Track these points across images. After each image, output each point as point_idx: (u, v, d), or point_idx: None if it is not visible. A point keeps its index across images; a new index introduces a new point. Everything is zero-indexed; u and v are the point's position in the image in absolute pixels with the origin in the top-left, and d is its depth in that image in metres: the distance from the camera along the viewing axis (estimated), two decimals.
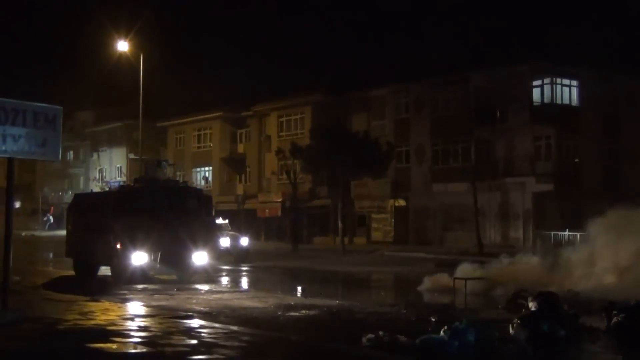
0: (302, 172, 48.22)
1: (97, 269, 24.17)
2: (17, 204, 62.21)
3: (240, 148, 63.69)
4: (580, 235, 36.09)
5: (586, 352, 11.47)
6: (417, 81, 48.90)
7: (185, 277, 22.69)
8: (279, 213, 56.48)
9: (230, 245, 35.37)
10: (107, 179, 76.10)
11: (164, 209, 22.16)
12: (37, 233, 67.45)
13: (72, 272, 24.65)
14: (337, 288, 24.65)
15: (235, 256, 34.49)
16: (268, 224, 58.80)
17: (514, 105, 43.38)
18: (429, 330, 11.97)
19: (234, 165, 63.92)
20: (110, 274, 22.71)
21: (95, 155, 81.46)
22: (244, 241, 36.43)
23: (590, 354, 11.37)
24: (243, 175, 63.39)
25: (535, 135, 43.57)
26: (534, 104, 43.91)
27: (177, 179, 30.74)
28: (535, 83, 44.04)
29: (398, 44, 75.13)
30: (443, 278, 21.71)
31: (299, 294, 20.71)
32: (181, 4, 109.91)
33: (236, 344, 10.78)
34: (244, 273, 28.72)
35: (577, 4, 68.65)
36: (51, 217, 76.73)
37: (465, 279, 21.10)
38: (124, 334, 11.51)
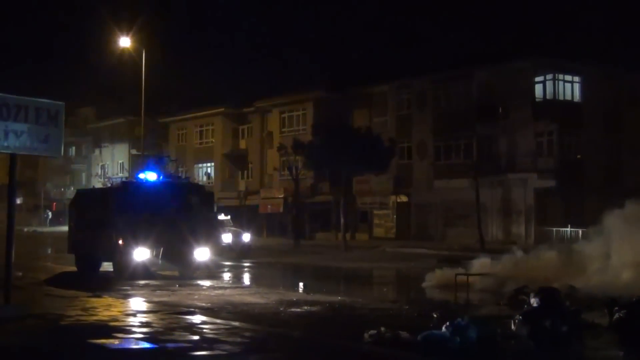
0: (304, 168, 48.20)
1: (99, 265, 24.21)
2: (19, 200, 62.34)
3: (242, 144, 63.68)
4: (582, 231, 36.14)
5: (588, 348, 11.46)
6: (419, 77, 48.88)
7: (187, 273, 22.70)
8: (281, 209, 56.50)
9: (232, 241, 35.44)
10: (109, 175, 76.08)
11: (166, 205, 22.17)
12: (40, 229, 67.50)
13: (74, 268, 24.67)
14: (339, 284, 24.67)
15: (237, 252, 34.54)
16: (270, 220, 58.81)
17: (516, 101, 43.34)
18: (430, 326, 11.96)
19: (236, 161, 63.91)
20: (112, 269, 22.75)
21: (97, 151, 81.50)
22: (246, 237, 36.50)
23: (592, 350, 11.36)
24: (245, 171, 63.39)
25: (538, 131, 43.52)
26: (536, 99, 43.87)
27: (179, 175, 30.64)
28: (537, 79, 43.99)
29: (400, 40, 75.10)
30: (448, 274, 21.66)
31: (300, 290, 20.71)
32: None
33: (238, 339, 10.79)
34: (245, 269, 28.75)
35: (580, 0, 68.54)
36: (49, 213, 76.81)
37: (468, 275, 21.08)
38: (126, 330, 11.52)
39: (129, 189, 23.51)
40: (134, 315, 13.52)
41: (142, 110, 45.81)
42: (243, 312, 14.81)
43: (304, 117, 55.69)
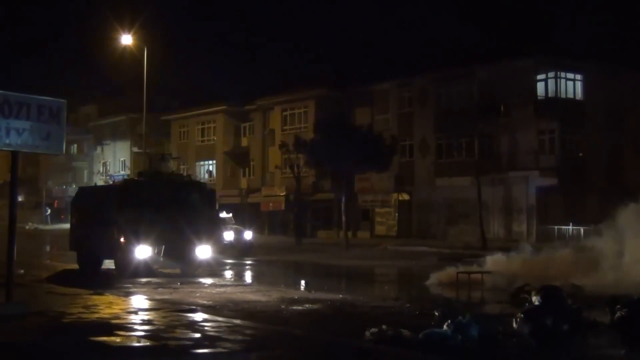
0: (305, 166, 48.22)
1: (100, 263, 24.21)
2: (21, 198, 62.36)
3: (244, 142, 63.70)
4: (583, 229, 36.13)
5: (590, 347, 11.45)
6: (421, 75, 48.86)
7: (189, 270, 22.71)
8: (283, 207, 56.54)
9: (234, 239, 35.44)
10: (111, 172, 76.18)
11: (168, 203, 22.17)
12: (41, 226, 67.58)
13: (75, 266, 24.68)
14: (341, 282, 24.66)
15: (239, 250, 34.55)
16: (271, 217, 58.86)
17: (518, 99, 43.32)
18: (432, 324, 11.96)
19: (237, 159, 63.93)
20: (114, 267, 22.76)
21: (99, 149, 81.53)
22: (248, 235, 36.50)
23: (593, 348, 11.35)
24: (247, 169, 63.42)
25: (539, 130, 43.50)
26: (538, 98, 43.85)
27: (181, 172, 30.73)
28: (539, 77, 43.96)
29: (402, 37, 75.03)
30: (452, 272, 21.63)
31: (302, 288, 20.72)
32: None
33: (239, 337, 10.79)
34: (247, 267, 28.76)
35: None
36: (48, 210, 76.86)
37: (469, 273, 21.11)
38: (127, 328, 11.52)
39: (131, 186, 23.52)
40: (136, 313, 13.52)
41: (144, 108, 45.88)
42: (244, 310, 14.81)
43: (305, 114, 55.70)
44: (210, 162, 66.26)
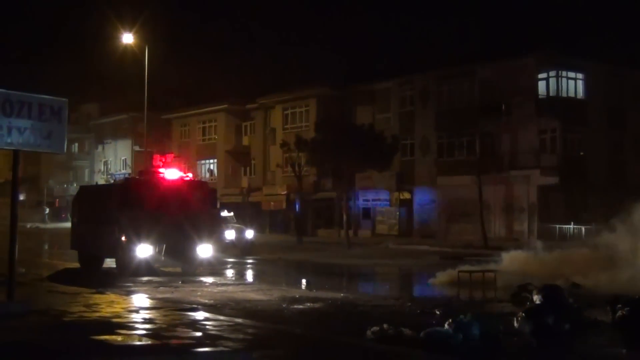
0: (307, 165, 48.19)
1: (102, 261, 24.23)
2: (22, 196, 62.40)
3: (245, 140, 63.65)
4: (585, 228, 36.12)
5: (590, 346, 11.45)
6: (422, 74, 48.81)
7: (190, 269, 22.72)
8: (284, 206, 56.51)
9: (235, 237, 35.43)
10: (112, 171, 76.21)
11: (169, 202, 22.17)
12: (42, 225, 67.59)
13: (77, 265, 24.70)
14: (342, 281, 24.68)
15: (240, 249, 34.55)
16: (273, 216, 58.81)
17: (520, 98, 43.26)
18: (433, 323, 11.97)
19: (238, 157, 63.90)
20: (115, 266, 22.76)
21: (100, 148, 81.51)
22: (249, 234, 36.49)
23: (594, 347, 11.36)
24: (248, 168, 63.38)
25: (541, 128, 43.44)
26: (540, 96, 43.78)
27: (182, 171, 30.74)
28: (540, 76, 43.89)
29: (403, 36, 75.02)
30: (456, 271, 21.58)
31: (303, 287, 20.72)
32: None
33: (241, 336, 10.80)
34: (248, 266, 28.76)
35: None
36: (47, 208, 76.87)
37: (470, 272, 21.12)
38: (128, 326, 11.53)
39: (132, 185, 23.52)
40: (137, 311, 13.53)
41: (145, 107, 45.89)
42: (246, 309, 14.82)
43: (306, 113, 55.66)
44: (212, 160, 66.24)
